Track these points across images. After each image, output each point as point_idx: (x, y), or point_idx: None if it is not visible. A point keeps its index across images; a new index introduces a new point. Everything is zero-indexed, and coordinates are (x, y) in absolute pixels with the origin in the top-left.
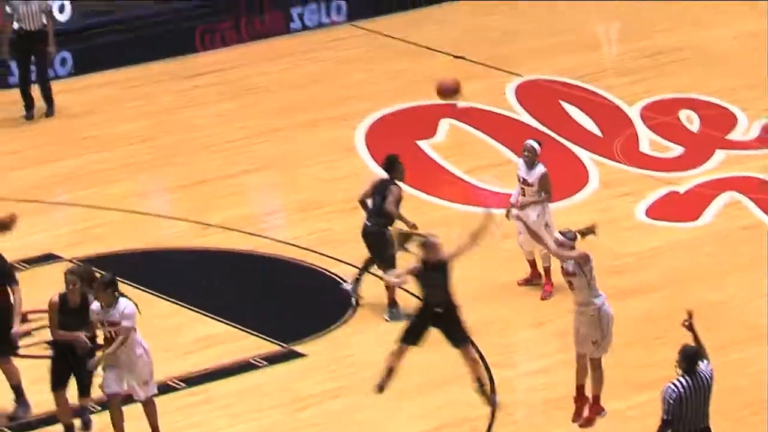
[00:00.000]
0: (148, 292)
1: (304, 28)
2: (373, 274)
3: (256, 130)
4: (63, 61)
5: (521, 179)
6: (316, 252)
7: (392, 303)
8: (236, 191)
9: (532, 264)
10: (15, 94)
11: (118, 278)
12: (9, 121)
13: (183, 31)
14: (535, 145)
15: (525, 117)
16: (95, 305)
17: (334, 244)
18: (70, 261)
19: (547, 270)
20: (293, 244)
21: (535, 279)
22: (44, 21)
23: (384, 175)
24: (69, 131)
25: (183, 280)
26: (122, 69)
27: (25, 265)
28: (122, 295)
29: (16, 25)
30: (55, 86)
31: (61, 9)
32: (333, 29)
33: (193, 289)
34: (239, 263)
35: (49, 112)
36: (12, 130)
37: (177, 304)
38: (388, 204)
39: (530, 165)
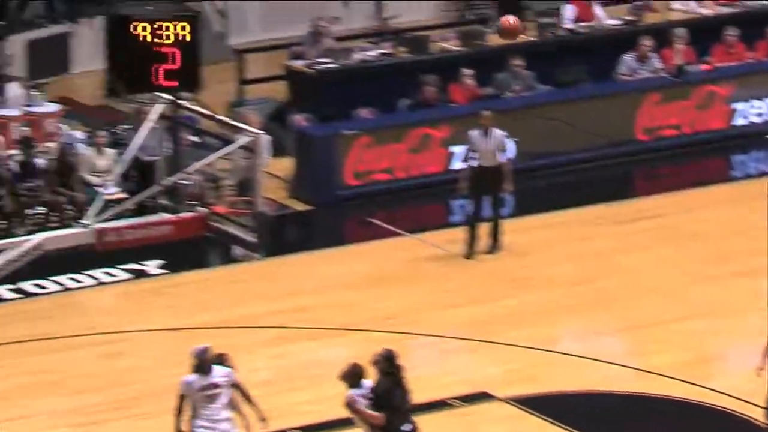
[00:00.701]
0: None
1: (746, 176)
2: None
3: (695, 276)
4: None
5: None
6: (751, 403)
7: None
8: (673, 337)
9: None
10: (454, 232)
11: (550, 420)
12: (449, 258)
13: (622, 176)
14: None
15: None
16: None
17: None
18: (504, 400)
19: None
20: (730, 395)
21: None
22: (501, 158)
23: None
24: (507, 271)
25: (617, 425)
26: (561, 211)
27: (458, 402)
28: None
29: (473, 162)
30: None
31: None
32: None
33: None
34: (676, 411)
35: (495, 249)
36: (451, 268)
37: None
38: None
39: None
